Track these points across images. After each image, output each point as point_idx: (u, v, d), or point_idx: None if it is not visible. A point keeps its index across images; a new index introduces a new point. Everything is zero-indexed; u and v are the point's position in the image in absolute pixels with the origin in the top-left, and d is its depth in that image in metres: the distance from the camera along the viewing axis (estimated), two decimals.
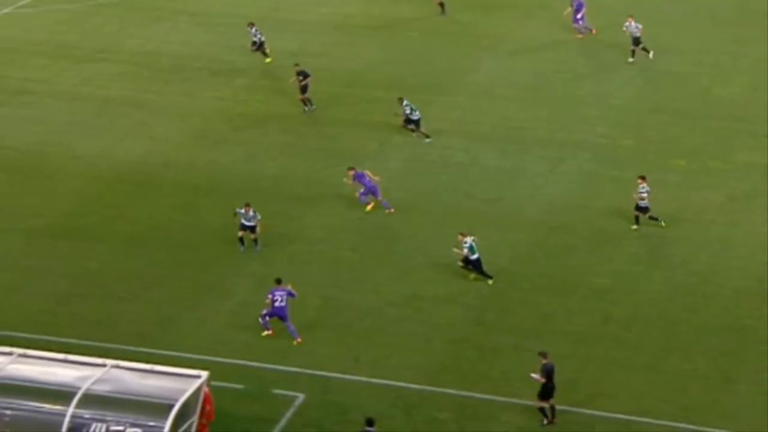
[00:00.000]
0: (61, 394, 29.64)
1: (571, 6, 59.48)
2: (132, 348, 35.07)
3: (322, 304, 38.27)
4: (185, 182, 45.94)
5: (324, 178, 45.96)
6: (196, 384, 30.26)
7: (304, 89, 51.41)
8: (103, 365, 30.67)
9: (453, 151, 48.43)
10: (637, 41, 56.46)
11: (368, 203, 43.79)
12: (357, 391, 34.14)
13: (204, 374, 30.68)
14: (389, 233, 42.28)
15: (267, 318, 36.38)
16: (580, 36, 58.92)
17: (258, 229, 40.80)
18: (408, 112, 49.39)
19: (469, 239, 39.30)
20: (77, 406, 29.26)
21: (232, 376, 34.12)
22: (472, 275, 39.29)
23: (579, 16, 59.08)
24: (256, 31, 56.60)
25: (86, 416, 29.27)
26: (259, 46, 56.61)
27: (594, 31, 58.94)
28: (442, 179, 46.21)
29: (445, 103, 52.77)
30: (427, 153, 48.15)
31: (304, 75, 51.55)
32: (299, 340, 36.26)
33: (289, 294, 36.31)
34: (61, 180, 45.87)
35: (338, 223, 43.05)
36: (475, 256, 39.13)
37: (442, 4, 62.85)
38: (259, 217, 40.68)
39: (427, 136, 49.31)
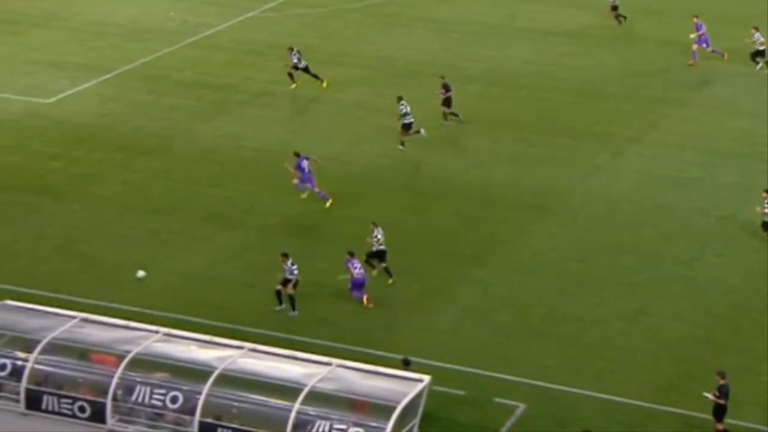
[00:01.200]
0: (287, 389, 30.16)
1: (697, 30, 57.20)
2: (356, 348, 35.51)
3: (546, 314, 38.04)
4: (415, 186, 46.34)
5: (550, 188, 45.67)
6: (418, 387, 30.43)
7: (447, 103, 50.78)
8: (329, 364, 31.09)
9: (687, 165, 47.49)
10: (761, 54, 55.05)
11: (304, 191, 44.32)
12: (579, 404, 33.79)
13: (426, 378, 30.84)
14: (617, 246, 41.71)
15: (355, 292, 38.09)
16: (691, 63, 56.82)
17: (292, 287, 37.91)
18: (403, 112, 48.36)
19: (379, 230, 39.65)
20: (302, 403, 29.76)
21: (454, 382, 34.21)
22: (375, 272, 39.36)
23: (702, 39, 56.80)
24: (295, 54, 53.99)
25: (311, 413, 29.72)
26: (305, 69, 53.64)
27: (726, 57, 56.53)
28: (674, 193, 45.36)
29: (680, 116, 51.80)
30: (660, 167, 47.34)
31: (446, 88, 50.93)
32: (372, 305, 37.90)
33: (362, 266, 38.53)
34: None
35: (565, 234, 42.72)
36: (382, 248, 39.61)
37: (618, 16, 61.82)
38: (295, 271, 37.99)
39: (418, 131, 48.56)
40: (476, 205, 44.62)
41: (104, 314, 33.32)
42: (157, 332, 31.98)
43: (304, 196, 44.68)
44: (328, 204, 44.39)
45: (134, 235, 42.71)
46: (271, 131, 50.86)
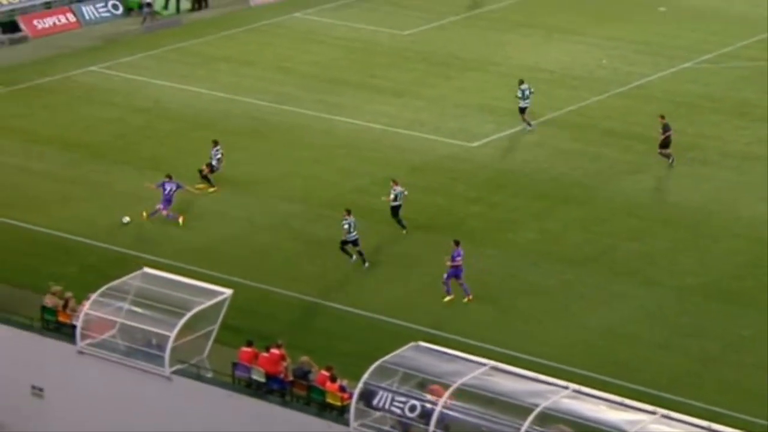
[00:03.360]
0: None
1: None
2: None
3: None
4: None
5: None
6: None
7: (665, 144, 49.23)
8: None
9: None
10: None
11: (176, 217, 45.12)
12: None
13: None
14: None
15: (449, 281, 40.24)
16: None
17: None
18: (520, 96, 52.64)
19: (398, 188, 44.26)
20: None
21: None
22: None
23: None
24: (217, 151, 48.23)
25: None
26: (211, 167, 47.89)
27: None
28: None
29: None
30: None
31: (666, 129, 49.15)
32: (470, 297, 40.03)
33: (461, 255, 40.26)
34: (720, 240, 44.64)
35: None
36: (397, 203, 44.49)
37: None
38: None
39: (529, 124, 52.93)
40: None
41: (514, 364, 32.57)
42: (566, 388, 30.97)
43: (180, 221, 45.27)
44: (180, 220, 45.20)
45: (548, 285, 41.87)
46: (698, 188, 48.78)
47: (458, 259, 40.25)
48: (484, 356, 32.79)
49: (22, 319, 35.90)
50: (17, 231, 45.11)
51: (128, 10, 70.40)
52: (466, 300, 40.33)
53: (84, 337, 34.13)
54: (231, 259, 43.20)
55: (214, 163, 48.24)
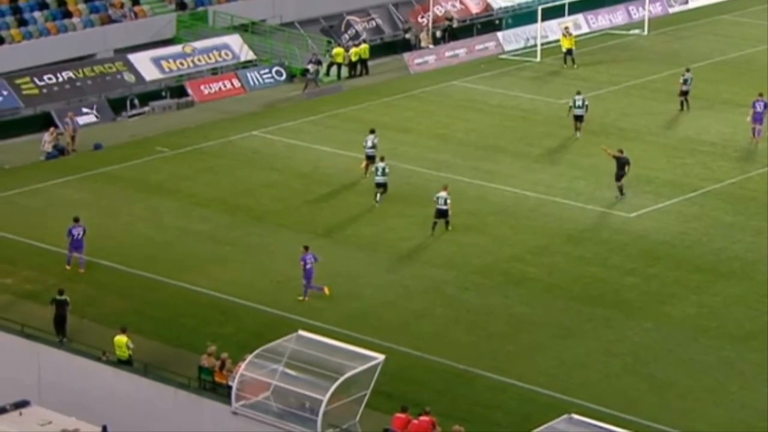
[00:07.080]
0: None
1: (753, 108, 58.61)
2: None
3: None
4: None
5: None
6: None
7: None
8: None
9: None
10: None
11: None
12: None
13: None
14: None
15: (312, 286, 43.38)
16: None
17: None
18: (572, 104, 59.14)
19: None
20: None
21: None
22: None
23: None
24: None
25: None
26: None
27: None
28: None
29: None
30: None
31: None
32: (307, 299, 43.59)
33: (314, 258, 43.43)
34: None
35: None
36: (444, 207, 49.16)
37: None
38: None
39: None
40: None
41: None
42: None
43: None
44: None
45: (706, 362, 41.01)
46: None
47: (306, 262, 43.29)
48: None
49: (179, 379, 36.52)
50: (177, 291, 45.92)
51: (291, 77, 71.59)
52: (300, 299, 43.71)
53: (239, 398, 34.51)
54: (384, 324, 43.30)
55: None
